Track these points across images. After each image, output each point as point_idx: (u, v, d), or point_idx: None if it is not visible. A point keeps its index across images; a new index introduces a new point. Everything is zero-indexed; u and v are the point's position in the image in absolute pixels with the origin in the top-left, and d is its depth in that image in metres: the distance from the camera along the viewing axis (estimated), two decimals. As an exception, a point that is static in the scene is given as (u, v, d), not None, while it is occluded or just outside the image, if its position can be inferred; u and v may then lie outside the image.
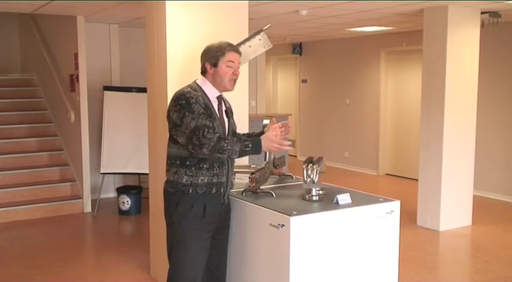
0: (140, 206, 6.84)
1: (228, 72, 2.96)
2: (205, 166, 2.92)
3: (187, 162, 2.91)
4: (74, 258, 5.23)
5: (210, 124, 2.86)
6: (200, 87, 3.00)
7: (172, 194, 2.99)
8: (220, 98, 3.04)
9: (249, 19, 4.45)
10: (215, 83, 3.00)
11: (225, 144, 2.79)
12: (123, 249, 5.44)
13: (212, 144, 2.78)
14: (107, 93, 7.07)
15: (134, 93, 6.94)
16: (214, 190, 2.96)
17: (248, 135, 3.24)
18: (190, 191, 2.92)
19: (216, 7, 4.23)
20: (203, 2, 4.17)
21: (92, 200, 6.99)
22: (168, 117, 2.95)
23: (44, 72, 8.11)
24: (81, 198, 6.95)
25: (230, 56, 2.96)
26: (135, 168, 6.85)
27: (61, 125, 7.68)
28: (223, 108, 3.07)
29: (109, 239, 5.90)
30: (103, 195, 7.23)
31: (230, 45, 3.02)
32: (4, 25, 9.22)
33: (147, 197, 4.85)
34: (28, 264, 5.00)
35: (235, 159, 3.21)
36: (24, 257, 5.23)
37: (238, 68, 3.03)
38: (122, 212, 6.82)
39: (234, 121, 3.19)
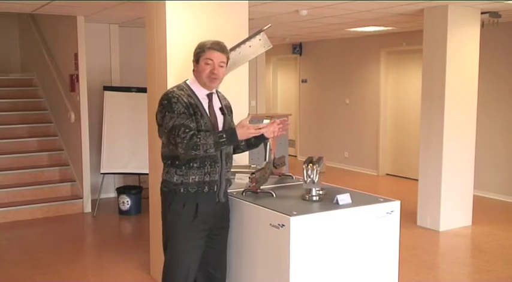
0: (140, 206, 6.84)
1: (205, 70, 2.96)
2: (195, 165, 2.91)
3: (177, 162, 2.92)
4: (74, 258, 5.23)
5: (191, 123, 2.86)
6: (189, 86, 3.02)
7: (166, 193, 3.01)
8: (211, 96, 3.03)
9: (249, 19, 4.45)
10: (199, 79, 3.00)
11: (198, 140, 2.78)
12: (123, 249, 5.44)
13: (185, 142, 2.79)
14: (107, 93, 7.07)
15: (134, 93, 6.94)
16: (206, 189, 2.95)
17: None
18: (182, 190, 2.93)
19: (216, 7, 4.23)
20: (203, 2, 4.17)
21: (92, 200, 6.99)
22: (155, 117, 2.99)
23: (44, 72, 8.11)
24: (81, 198, 6.95)
25: (209, 54, 2.95)
26: (135, 168, 6.85)
27: (61, 125, 7.68)
28: (218, 105, 3.07)
29: (109, 239, 5.91)
30: (103, 195, 7.23)
31: (214, 43, 2.99)
32: (4, 25, 9.22)
33: (147, 197, 4.85)
34: (28, 264, 5.00)
35: (234, 157, 3.21)
36: (24, 256, 5.23)
37: (222, 67, 2.98)
38: (122, 212, 6.82)
39: (231, 119, 3.18)
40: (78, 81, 6.86)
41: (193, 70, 3.05)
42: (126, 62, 7.69)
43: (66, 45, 7.19)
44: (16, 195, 6.74)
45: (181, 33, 4.08)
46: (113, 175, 7.39)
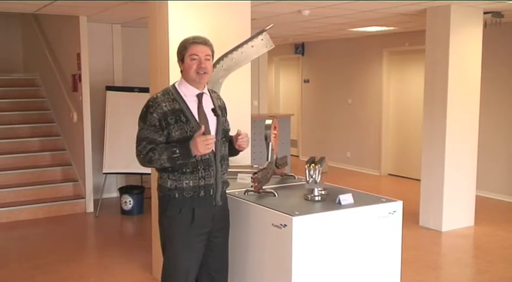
0: (142, 206, 6.85)
1: (192, 66, 2.89)
2: (188, 170, 2.86)
3: (170, 168, 2.87)
4: (76, 258, 5.24)
5: (158, 137, 2.83)
6: (176, 89, 2.95)
7: (161, 198, 2.97)
8: (201, 96, 2.95)
9: (252, 19, 4.45)
10: (187, 78, 2.93)
11: (153, 155, 2.80)
12: (125, 249, 5.44)
13: (142, 156, 2.84)
14: (109, 93, 7.08)
15: (136, 93, 6.94)
16: (202, 193, 2.89)
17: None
18: (177, 196, 2.88)
19: (218, 7, 4.23)
20: (205, 2, 4.17)
21: (94, 200, 7.00)
22: None
23: (47, 72, 8.13)
24: (84, 198, 6.96)
25: (193, 49, 2.89)
26: (137, 168, 6.76)
27: (63, 125, 7.69)
28: (210, 106, 2.99)
29: (111, 239, 5.91)
30: (105, 195, 7.24)
31: (195, 38, 2.94)
32: (7, 25, 9.24)
33: (149, 197, 4.86)
34: (30, 264, 5.01)
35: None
36: (26, 256, 5.24)
37: (208, 60, 2.92)
38: (124, 212, 6.83)
39: (226, 119, 3.10)
40: (80, 81, 6.88)
41: (181, 71, 2.98)
42: (129, 62, 7.69)
43: (68, 45, 7.20)
44: (18, 195, 6.75)
45: (183, 33, 4.03)
46: (115, 175, 7.40)
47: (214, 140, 2.85)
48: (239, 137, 3.03)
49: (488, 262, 5.08)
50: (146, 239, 5.41)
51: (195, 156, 2.81)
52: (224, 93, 3.71)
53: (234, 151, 3.13)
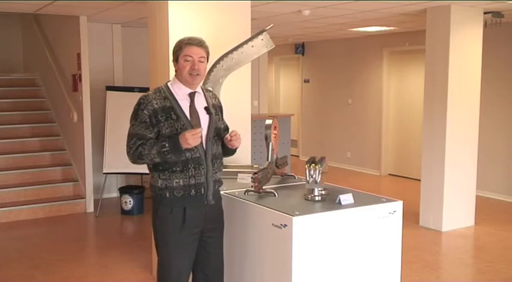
0: (142, 205, 6.85)
1: (185, 67, 2.90)
2: (178, 169, 2.87)
3: (160, 167, 2.89)
4: (76, 257, 5.24)
5: (148, 133, 2.85)
6: (168, 88, 2.97)
7: (153, 198, 2.99)
8: (193, 95, 2.96)
9: (252, 19, 4.45)
10: (181, 79, 2.95)
11: (143, 150, 2.84)
12: (125, 249, 5.44)
13: (132, 152, 2.88)
14: (109, 93, 7.08)
15: (137, 93, 6.93)
16: (193, 192, 2.89)
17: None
18: (168, 195, 2.89)
19: (218, 7, 4.23)
20: (206, 2, 4.17)
21: (94, 200, 7.00)
22: None
23: (47, 72, 8.12)
24: (84, 198, 6.96)
25: (187, 50, 2.91)
26: (138, 168, 6.77)
27: (64, 125, 7.69)
28: (203, 104, 3.00)
29: (111, 239, 5.91)
30: (105, 195, 7.24)
31: (191, 39, 2.95)
32: (7, 25, 9.24)
33: (150, 197, 4.85)
34: (30, 264, 5.01)
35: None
36: (26, 256, 5.24)
37: (202, 62, 2.94)
38: (124, 212, 6.83)
39: (220, 118, 3.11)
40: (80, 81, 6.88)
41: (175, 71, 3.00)
42: (129, 62, 7.69)
43: (68, 45, 7.20)
44: (18, 195, 6.75)
45: (183, 34, 4.02)
46: (115, 175, 7.40)
47: (202, 131, 2.85)
48: (231, 137, 3.01)
49: (488, 262, 5.08)
50: (146, 239, 5.41)
51: (185, 149, 2.82)
52: (224, 93, 3.72)
53: (229, 150, 3.13)
